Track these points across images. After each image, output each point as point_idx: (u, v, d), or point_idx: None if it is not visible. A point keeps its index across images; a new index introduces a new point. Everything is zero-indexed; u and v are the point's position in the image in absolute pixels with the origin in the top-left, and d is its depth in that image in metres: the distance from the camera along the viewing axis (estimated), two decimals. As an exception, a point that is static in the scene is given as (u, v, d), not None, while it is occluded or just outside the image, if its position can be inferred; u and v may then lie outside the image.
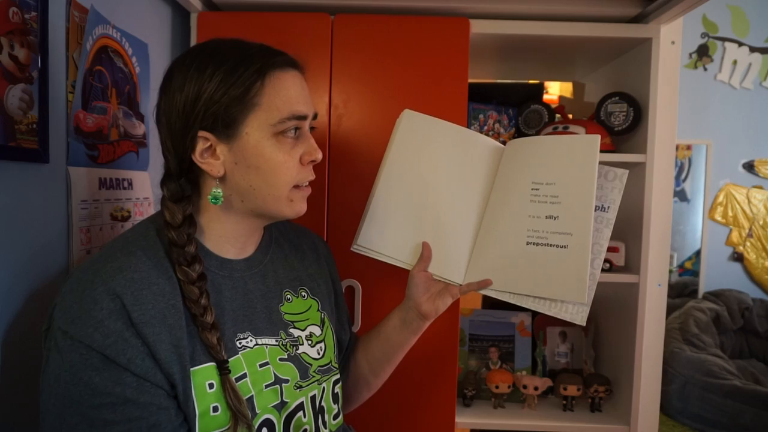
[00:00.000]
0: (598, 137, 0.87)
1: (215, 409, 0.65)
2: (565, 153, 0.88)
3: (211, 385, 0.65)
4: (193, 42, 1.23)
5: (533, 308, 0.87)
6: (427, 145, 0.93)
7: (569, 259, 0.83)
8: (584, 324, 0.85)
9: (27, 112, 0.75)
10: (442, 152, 0.93)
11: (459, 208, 0.92)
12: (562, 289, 0.84)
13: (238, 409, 0.65)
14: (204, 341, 0.66)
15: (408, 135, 0.94)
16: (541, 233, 0.86)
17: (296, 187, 0.73)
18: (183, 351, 0.63)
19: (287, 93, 0.70)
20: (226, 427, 0.65)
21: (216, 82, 0.66)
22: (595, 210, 0.87)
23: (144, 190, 1.07)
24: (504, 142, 1.42)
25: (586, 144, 0.87)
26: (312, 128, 0.76)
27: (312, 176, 0.75)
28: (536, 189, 0.88)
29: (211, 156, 0.69)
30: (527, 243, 0.86)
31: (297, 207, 0.74)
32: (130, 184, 1.04)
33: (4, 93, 0.70)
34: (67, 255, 0.86)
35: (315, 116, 0.76)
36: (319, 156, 0.74)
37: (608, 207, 0.88)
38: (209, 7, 1.27)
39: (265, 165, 0.70)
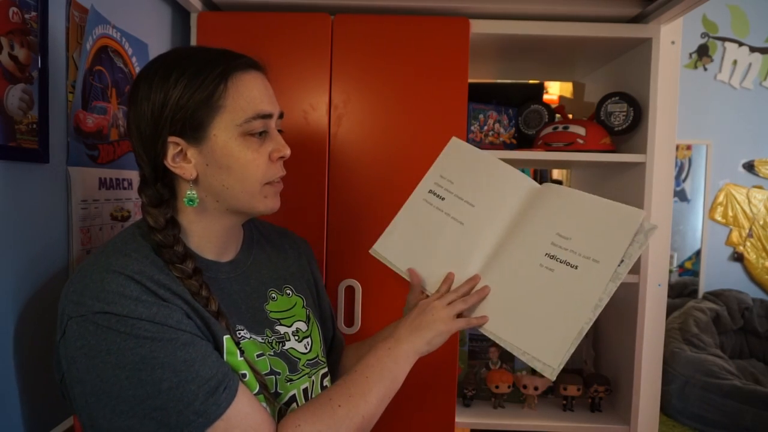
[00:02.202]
0: (643, 213, 0.83)
1: (244, 375, 0.69)
2: (603, 216, 0.85)
3: (240, 354, 0.70)
4: (193, 42, 1.23)
5: (509, 350, 0.85)
6: (462, 172, 0.95)
7: (560, 323, 0.81)
8: (553, 379, 0.82)
9: (27, 112, 0.75)
10: (476, 184, 0.94)
11: (474, 236, 0.91)
12: (540, 345, 0.81)
13: (262, 382, 0.71)
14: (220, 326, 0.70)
15: (448, 160, 0.97)
16: (546, 286, 0.84)
17: (268, 183, 0.75)
18: (208, 321, 0.67)
19: (250, 93, 0.72)
20: (254, 392, 0.69)
21: (181, 88, 0.68)
22: None
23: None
24: (504, 143, 1.43)
25: (628, 216, 0.83)
26: (280, 131, 0.78)
27: (282, 172, 0.77)
28: (558, 241, 0.85)
29: (182, 160, 0.71)
30: (529, 290, 0.85)
31: (270, 203, 0.76)
32: (130, 184, 1.04)
33: (4, 93, 0.70)
34: (67, 255, 0.86)
35: (281, 115, 0.78)
36: (287, 152, 0.76)
37: (623, 261, 0.82)
38: (209, 7, 1.27)
39: (235, 164, 0.71)
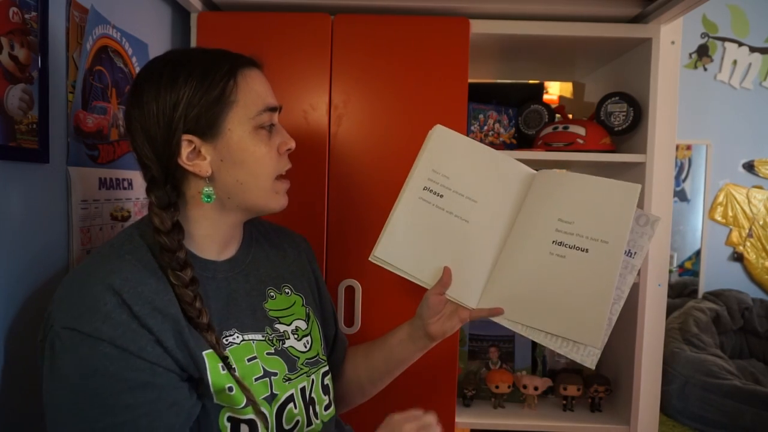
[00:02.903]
0: (639, 187, 0.85)
1: (230, 389, 0.68)
2: (600, 196, 0.86)
3: (223, 367, 0.69)
4: (193, 42, 1.23)
5: (544, 344, 0.85)
6: (456, 165, 0.92)
7: (589, 305, 0.82)
8: (593, 368, 0.83)
9: (27, 112, 0.75)
10: (473, 177, 0.92)
11: (482, 232, 0.90)
12: (578, 330, 0.82)
13: (249, 398, 0.69)
14: (203, 340, 0.69)
15: (437, 152, 0.93)
16: (562, 272, 0.84)
17: (278, 178, 0.77)
18: (187, 337, 0.66)
19: (257, 88, 0.75)
20: (241, 406, 0.69)
21: (191, 88, 0.69)
22: None
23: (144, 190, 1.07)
24: (504, 143, 1.43)
25: (626, 192, 0.85)
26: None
27: (289, 165, 0.80)
28: (562, 227, 0.86)
29: (196, 157, 0.71)
30: (546, 279, 0.85)
31: (281, 200, 0.79)
32: (130, 184, 1.04)
33: (4, 93, 0.70)
34: (67, 255, 0.86)
35: (280, 109, 0.80)
36: (293, 144, 0.78)
37: (635, 253, 0.84)
38: (209, 7, 1.27)
39: (250, 158, 0.73)
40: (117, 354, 0.61)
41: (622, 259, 0.82)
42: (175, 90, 0.69)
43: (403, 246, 0.91)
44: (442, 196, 0.91)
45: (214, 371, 0.67)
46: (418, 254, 0.90)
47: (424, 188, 0.92)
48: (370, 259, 0.91)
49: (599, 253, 0.83)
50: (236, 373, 0.70)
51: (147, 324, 0.63)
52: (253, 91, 0.73)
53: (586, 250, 0.83)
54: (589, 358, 0.82)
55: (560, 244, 0.85)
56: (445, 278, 0.89)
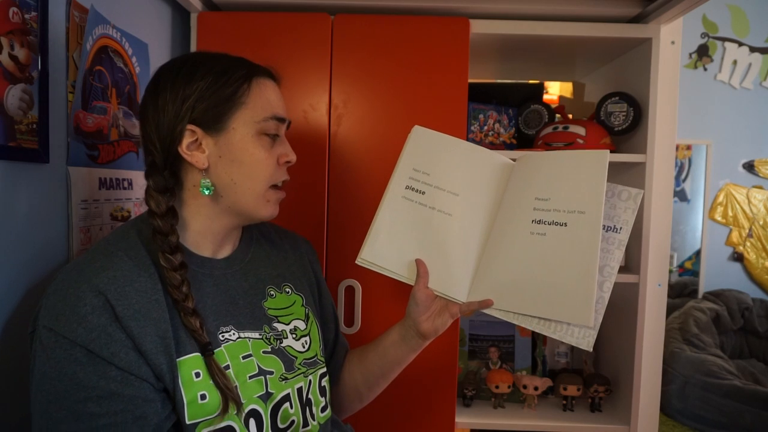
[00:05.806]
0: (607, 152, 0.84)
1: (203, 396, 0.67)
2: (572, 168, 0.86)
3: (197, 374, 0.68)
4: (193, 42, 1.23)
5: (538, 330, 0.84)
6: (436, 162, 0.93)
7: (575, 281, 0.81)
8: (590, 349, 0.82)
9: (27, 112, 0.75)
10: (453, 172, 0.92)
11: (466, 224, 0.90)
12: (567, 310, 0.81)
13: (226, 385, 0.68)
14: (186, 326, 0.68)
15: (417, 151, 0.94)
16: (545, 251, 0.83)
17: (273, 187, 0.78)
18: (169, 342, 0.66)
19: (269, 97, 0.77)
20: (215, 414, 0.67)
21: (207, 82, 0.72)
22: (607, 231, 0.85)
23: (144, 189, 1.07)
24: (504, 143, 1.43)
25: (595, 159, 0.84)
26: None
27: (287, 177, 0.81)
28: (539, 205, 0.85)
29: (196, 149, 0.73)
30: (530, 261, 0.84)
31: (271, 209, 0.79)
32: (130, 184, 1.04)
33: (4, 93, 0.70)
34: (68, 255, 0.86)
35: (289, 124, 0.81)
36: (293, 158, 0.80)
37: (620, 228, 0.85)
38: (209, 7, 1.27)
39: (248, 159, 0.74)
40: (88, 360, 0.61)
41: (601, 228, 0.81)
42: (191, 84, 0.72)
43: (388, 246, 0.90)
44: (424, 192, 0.91)
45: (186, 379, 0.66)
46: (404, 253, 0.90)
47: (406, 187, 0.92)
48: (356, 262, 0.91)
49: (578, 225, 0.82)
50: (230, 369, 0.70)
51: (128, 326, 0.63)
52: (264, 98, 0.75)
53: (565, 224, 0.83)
54: (585, 340, 0.81)
55: (539, 222, 0.85)
56: (421, 270, 0.88)
